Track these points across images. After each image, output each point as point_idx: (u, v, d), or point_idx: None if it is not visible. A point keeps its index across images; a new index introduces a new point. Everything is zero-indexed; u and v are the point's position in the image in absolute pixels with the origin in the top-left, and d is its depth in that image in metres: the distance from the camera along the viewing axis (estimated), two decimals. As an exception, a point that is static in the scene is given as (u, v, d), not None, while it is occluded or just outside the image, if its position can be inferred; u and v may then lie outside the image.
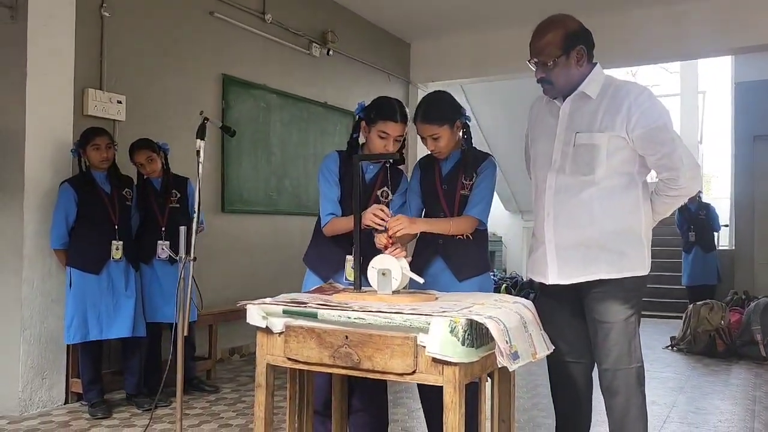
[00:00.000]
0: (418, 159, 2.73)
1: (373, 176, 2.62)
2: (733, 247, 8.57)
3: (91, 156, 3.66)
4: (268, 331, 2.09)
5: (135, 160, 3.88)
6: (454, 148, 2.53)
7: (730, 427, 3.63)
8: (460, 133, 2.52)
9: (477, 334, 1.85)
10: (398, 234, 2.26)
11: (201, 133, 2.76)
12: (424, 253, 2.55)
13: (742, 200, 8.46)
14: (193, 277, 2.77)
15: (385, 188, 2.62)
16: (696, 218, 7.44)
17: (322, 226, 2.59)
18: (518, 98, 8.65)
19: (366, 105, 2.57)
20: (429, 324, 1.81)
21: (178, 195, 3.96)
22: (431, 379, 1.83)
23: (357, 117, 2.59)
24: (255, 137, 5.47)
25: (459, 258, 2.52)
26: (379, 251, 2.58)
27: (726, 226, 8.82)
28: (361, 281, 2.29)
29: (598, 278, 2.19)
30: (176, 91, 4.72)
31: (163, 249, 3.77)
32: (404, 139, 2.56)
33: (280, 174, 5.74)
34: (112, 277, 3.65)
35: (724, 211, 8.51)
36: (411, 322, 1.84)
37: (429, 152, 2.59)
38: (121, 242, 3.68)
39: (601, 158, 2.16)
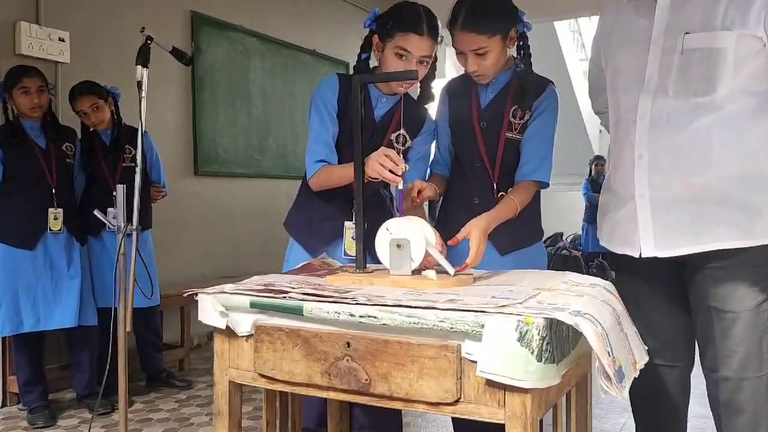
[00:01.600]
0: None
1: (386, 113, 1.90)
2: None
3: (19, 102, 2.91)
4: (229, 333, 1.41)
5: (77, 108, 3.13)
6: (501, 69, 1.81)
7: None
8: (513, 48, 1.80)
9: (558, 341, 1.16)
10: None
11: (143, 59, 2.03)
12: (454, 217, 1.85)
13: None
14: (138, 252, 2.06)
15: (403, 132, 1.90)
16: None
17: (308, 178, 1.88)
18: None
19: (380, 12, 1.84)
20: (482, 326, 1.12)
21: (133, 151, 3.21)
22: (486, 412, 1.15)
23: (368, 30, 1.86)
24: (232, 87, 4.71)
25: (502, 223, 1.83)
26: (388, 215, 1.89)
27: None
28: (365, 257, 1.60)
29: (717, 248, 1.50)
30: (134, 29, 3.85)
31: (114, 218, 3.04)
32: (434, 63, 1.85)
33: (263, 131, 4.99)
34: (50, 254, 2.93)
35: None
36: (452, 324, 1.14)
37: (464, 74, 1.87)
38: (60, 210, 2.95)
39: (725, 69, 1.45)
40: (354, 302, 1.25)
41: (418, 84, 1.89)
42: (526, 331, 1.09)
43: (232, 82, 4.71)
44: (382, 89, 1.86)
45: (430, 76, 1.87)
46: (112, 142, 3.19)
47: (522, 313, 1.12)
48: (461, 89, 1.89)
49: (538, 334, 1.09)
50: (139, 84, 2.01)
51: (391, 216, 1.89)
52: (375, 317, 1.21)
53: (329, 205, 1.90)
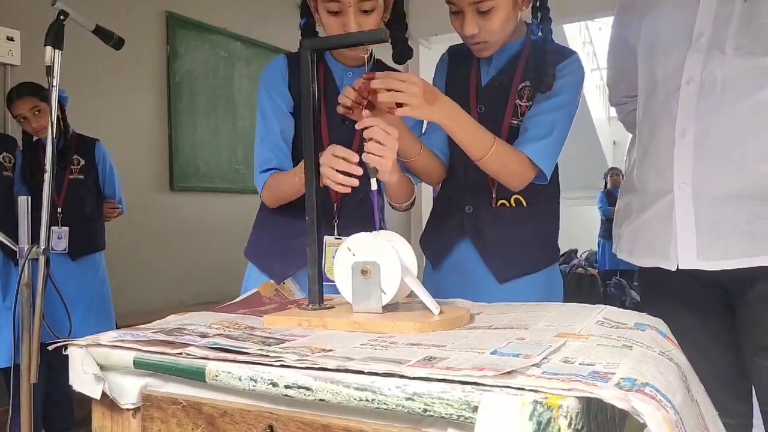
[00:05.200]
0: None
1: None
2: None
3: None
4: (112, 404, 0.97)
5: (16, 113, 2.74)
6: (511, 38, 1.38)
7: None
8: (527, 10, 1.37)
9: (597, 427, 0.71)
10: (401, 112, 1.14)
11: (54, 39, 1.61)
12: (442, 230, 1.41)
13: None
14: (50, 278, 1.64)
15: None
16: None
17: (260, 193, 1.44)
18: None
19: None
20: (474, 409, 0.68)
21: (82, 162, 2.81)
22: None
23: None
24: (214, 95, 4.31)
25: (500, 242, 1.38)
26: (363, 222, 1.47)
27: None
28: (321, 288, 1.17)
29: None
30: (99, 29, 3.55)
31: (60, 238, 2.64)
32: (398, 7, 1.40)
33: (249, 142, 4.56)
34: (-20, 282, 2.53)
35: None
36: (426, 403, 0.70)
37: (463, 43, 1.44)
38: (-5, 230, 2.55)
39: None
40: (278, 363, 0.81)
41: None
42: (549, 421, 0.64)
43: (214, 89, 4.32)
44: (346, 62, 1.42)
45: (400, 23, 1.41)
46: (58, 151, 2.79)
47: (540, 387, 0.67)
48: (463, 58, 1.45)
49: (569, 426, 0.64)
50: (49, 69, 1.60)
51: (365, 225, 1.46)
52: (308, 389, 0.77)
53: (300, 216, 1.45)
